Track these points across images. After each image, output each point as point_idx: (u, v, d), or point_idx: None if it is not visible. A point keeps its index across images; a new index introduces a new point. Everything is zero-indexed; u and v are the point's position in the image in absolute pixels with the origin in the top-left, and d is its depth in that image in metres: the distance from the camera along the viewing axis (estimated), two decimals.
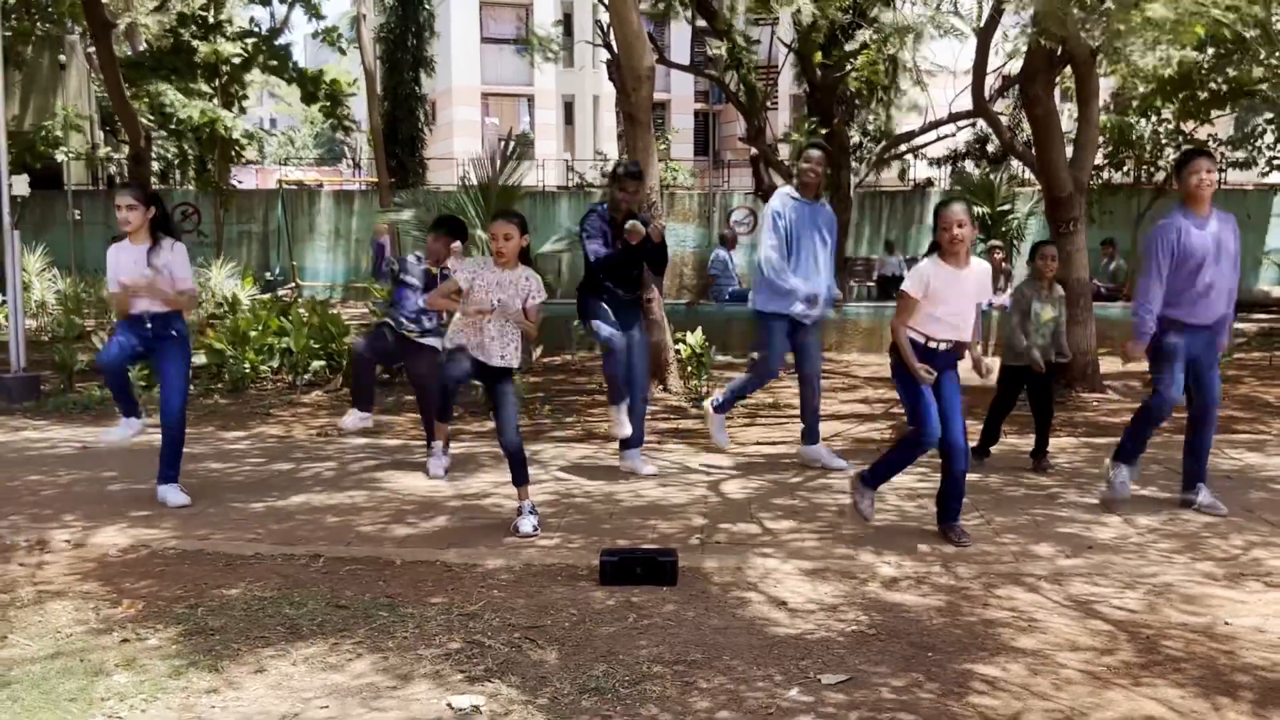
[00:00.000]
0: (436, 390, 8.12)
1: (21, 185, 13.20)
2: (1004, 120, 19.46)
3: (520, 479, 7.17)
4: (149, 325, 7.76)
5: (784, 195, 8.91)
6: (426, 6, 38.78)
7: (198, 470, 8.88)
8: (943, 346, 6.79)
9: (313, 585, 6.13)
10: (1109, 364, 13.50)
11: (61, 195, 28.30)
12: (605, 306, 8.63)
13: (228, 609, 5.72)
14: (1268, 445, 9.78)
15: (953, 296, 6.74)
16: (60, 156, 27.76)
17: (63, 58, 30.81)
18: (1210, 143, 24.55)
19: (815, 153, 9.02)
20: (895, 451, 7.06)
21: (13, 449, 9.76)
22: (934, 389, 6.75)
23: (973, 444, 8.63)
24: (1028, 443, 9.00)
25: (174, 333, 7.83)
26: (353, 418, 8.97)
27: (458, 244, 8.70)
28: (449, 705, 4.55)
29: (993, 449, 9.14)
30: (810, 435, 9.12)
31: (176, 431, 7.86)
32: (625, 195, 8.62)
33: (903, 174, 31.07)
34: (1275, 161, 23.87)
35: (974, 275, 6.82)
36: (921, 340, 6.79)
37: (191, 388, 12.55)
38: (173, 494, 7.84)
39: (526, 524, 7.02)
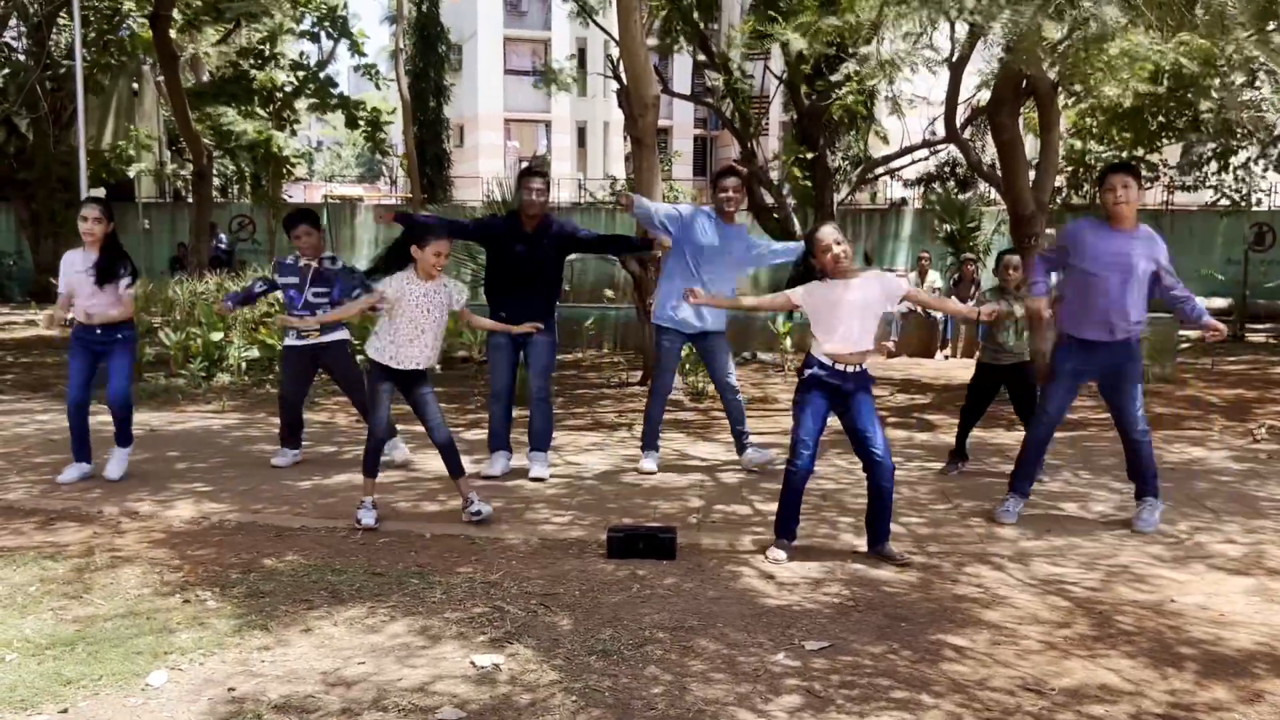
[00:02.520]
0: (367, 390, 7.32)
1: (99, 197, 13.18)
2: (972, 145, 19.40)
3: (455, 470, 6.79)
4: (99, 332, 7.77)
5: (699, 211, 8.17)
6: (444, 43, 39.07)
7: (252, 451, 8.88)
8: (838, 366, 6.06)
9: (352, 555, 6.13)
10: None
11: (133, 207, 28.35)
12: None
13: (278, 575, 5.72)
14: (1209, 441, 9.73)
15: (832, 309, 6.05)
16: (132, 172, 27.81)
17: (136, 85, 30.84)
18: (1161, 169, 24.45)
19: (731, 179, 8.06)
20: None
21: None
22: (844, 410, 6.14)
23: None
24: (992, 434, 8.95)
25: (120, 336, 7.81)
26: (283, 458, 8.47)
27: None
28: (473, 663, 4.54)
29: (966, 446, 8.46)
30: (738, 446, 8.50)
31: (123, 413, 7.88)
32: (530, 194, 7.85)
33: (873, 196, 30.91)
34: (1221, 189, 23.81)
35: (858, 287, 6.06)
36: (828, 363, 6.09)
37: (246, 378, 12.58)
38: (115, 464, 7.90)
39: (472, 510, 6.69)
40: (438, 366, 6.64)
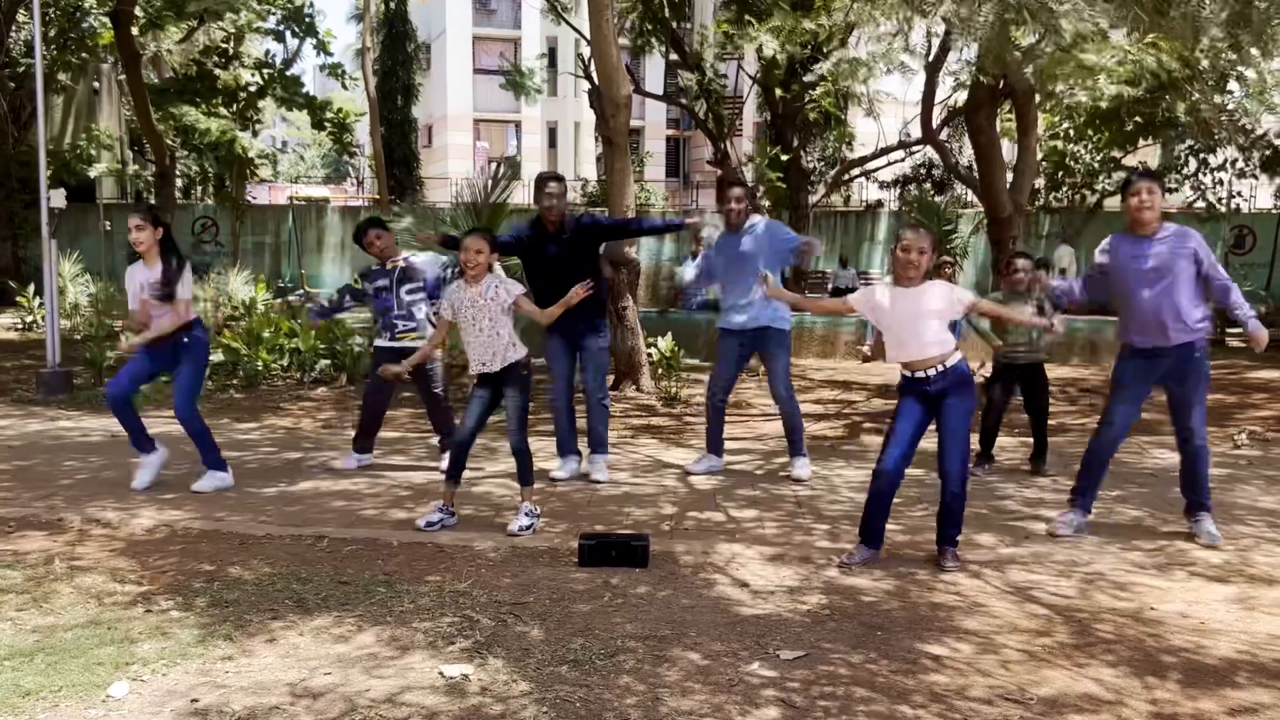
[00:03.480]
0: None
1: (59, 198, 13.02)
2: (949, 147, 19.49)
3: (524, 479, 6.88)
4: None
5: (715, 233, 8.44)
6: (412, 42, 39.06)
7: None
8: (916, 373, 6.04)
9: (318, 564, 6.09)
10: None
11: (94, 208, 28.13)
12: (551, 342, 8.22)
13: (242, 584, 5.67)
14: None
15: (888, 314, 6.13)
16: (93, 173, 27.65)
17: (97, 84, 30.66)
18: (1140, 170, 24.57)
19: (735, 189, 8.37)
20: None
21: (49, 437, 9.68)
22: (937, 413, 6.08)
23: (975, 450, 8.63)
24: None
25: (186, 340, 7.69)
26: (349, 461, 8.55)
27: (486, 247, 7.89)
28: (441, 674, 4.51)
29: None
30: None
31: (188, 424, 7.75)
32: (549, 199, 7.96)
33: (847, 200, 30.97)
34: (1201, 192, 23.93)
35: (916, 296, 6.07)
36: (907, 374, 6.12)
37: (209, 383, 12.50)
38: (208, 479, 7.81)
39: (515, 524, 6.75)
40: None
